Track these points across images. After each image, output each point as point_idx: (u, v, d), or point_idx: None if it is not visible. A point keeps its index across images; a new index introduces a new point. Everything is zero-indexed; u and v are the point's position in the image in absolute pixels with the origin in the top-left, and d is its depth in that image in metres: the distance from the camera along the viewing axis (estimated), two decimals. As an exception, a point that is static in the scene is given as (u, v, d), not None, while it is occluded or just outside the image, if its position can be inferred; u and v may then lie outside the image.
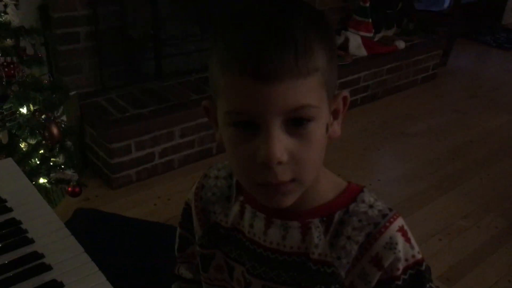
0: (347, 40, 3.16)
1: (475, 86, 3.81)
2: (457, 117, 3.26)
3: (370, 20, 3.19)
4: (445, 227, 2.19)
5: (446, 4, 4.29)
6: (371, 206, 0.66)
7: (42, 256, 0.82)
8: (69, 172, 1.75)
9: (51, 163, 1.70)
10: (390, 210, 0.66)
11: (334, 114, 0.63)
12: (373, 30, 3.25)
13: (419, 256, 0.65)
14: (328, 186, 0.68)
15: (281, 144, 0.55)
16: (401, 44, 3.34)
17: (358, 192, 0.68)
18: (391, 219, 0.65)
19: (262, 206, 0.68)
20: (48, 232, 0.88)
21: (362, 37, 3.16)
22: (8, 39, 1.53)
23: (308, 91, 0.55)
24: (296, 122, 0.56)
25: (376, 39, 3.32)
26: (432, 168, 2.65)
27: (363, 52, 3.16)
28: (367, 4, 3.16)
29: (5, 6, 1.56)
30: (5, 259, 0.81)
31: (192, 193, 0.80)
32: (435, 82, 3.75)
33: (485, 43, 4.60)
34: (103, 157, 2.28)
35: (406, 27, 3.60)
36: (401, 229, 0.65)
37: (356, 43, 3.15)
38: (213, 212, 0.75)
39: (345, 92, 0.64)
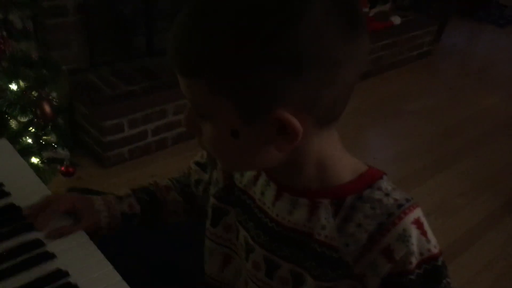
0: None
1: (469, 64, 3.80)
2: (451, 95, 3.26)
3: (366, -5, 3.14)
4: (440, 206, 2.20)
5: (440, -20, 4.24)
6: (387, 194, 0.63)
7: (43, 244, 0.78)
8: (61, 151, 1.69)
9: (43, 142, 1.65)
10: (407, 200, 0.62)
11: (282, 130, 0.56)
12: (369, 5, 3.19)
13: (435, 251, 0.62)
14: (344, 168, 0.65)
15: (189, 119, 0.62)
16: (396, 20, 3.31)
17: (377, 178, 0.64)
18: (407, 210, 0.61)
19: (275, 177, 0.68)
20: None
21: (357, 13, 3.11)
22: (-4, 12, 1.46)
23: (194, 91, 0.58)
24: (198, 114, 0.61)
25: (371, 14, 3.28)
26: (427, 146, 2.65)
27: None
28: (363, -21, 3.10)
29: (-8, -23, 1.47)
30: (6, 246, 0.77)
31: None
32: (429, 59, 3.72)
33: (480, 20, 4.57)
34: (94, 135, 2.23)
35: (401, 2, 3.55)
36: (416, 221, 0.61)
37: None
38: None
39: (290, 118, 0.55)
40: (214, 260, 0.82)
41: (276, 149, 0.59)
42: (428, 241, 0.62)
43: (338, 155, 0.66)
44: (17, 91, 1.53)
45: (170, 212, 0.93)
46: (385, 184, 0.64)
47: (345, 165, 0.66)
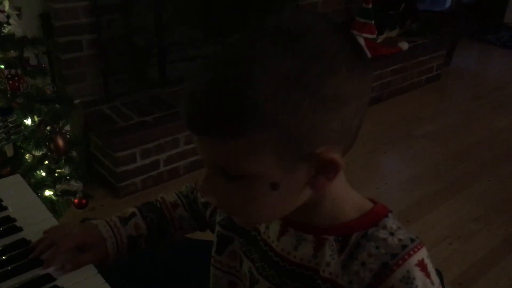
0: (350, 42, 3.14)
1: (480, 87, 3.79)
2: (463, 118, 3.24)
3: (373, 21, 3.17)
4: (456, 230, 2.17)
5: (448, 4, 4.27)
6: (391, 234, 0.62)
7: (54, 279, 0.80)
8: (74, 184, 1.73)
9: (57, 175, 1.68)
10: (412, 240, 0.62)
11: (321, 168, 0.58)
12: (376, 32, 3.23)
13: None
14: (350, 205, 0.66)
15: (214, 185, 0.59)
16: (404, 45, 3.33)
17: (382, 216, 0.65)
18: (411, 252, 0.61)
19: None
20: (60, 252, 0.85)
21: (365, 39, 3.14)
22: (12, 51, 1.51)
23: (232, 153, 0.54)
24: (229, 175, 0.57)
25: (379, 40, 3.31)
26: (440, 170, 2.63)
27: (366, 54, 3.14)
28: (370, 6, 3.14)
29: (8, 17, 1.54)
30: (17, 281, 0.79)
31: None
32: (439, 83, 3.72)
33: (489, 43, 4.58)
34: (108, 166, 2.26)
35: (409, 28, 3.58)
36: (420, 263, 0.61)
37: (359, 45, 3.13)
38: None
39: (334, 156, 0.57)
40: (220, 287, 0.82)
41: (314, 189, 0.60)
42: (433, 283, 0.62)
43: (346, 190, 0.66)
44: (31, 125, 1.58)
45: (177, 229, 0.93)
46: (391, 222, 0.64)
47: (352, 201, 0.66)
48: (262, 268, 0.71)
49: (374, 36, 3.21)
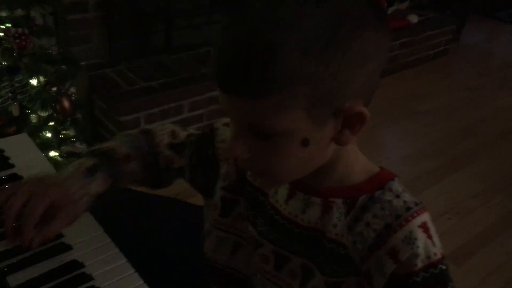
0: (359, 14, 3.10)
1: (487, 64, 3.76)
2: (468, 95, 3.23)
3: (384, -7, 3.12)
4: (454, 206, 2.19)
5: (460, -22, 4.19)
6: (397, 196, 0.64)
7: (61, 235, 0.82)
8: (79, 146, 1.74)
9: (62, 136, 1.69)
10: (416, 204, 0.64)
11: (347, 122, 0.59)
12: (386, 4, 3.18)
13: (440, 255, 0.63)
14: (357, 169, 0.67)
15: (243, 144, 0.59)
16: (413, 19, 3.28)
17: (388, 180, 0.66)
18: (414, 214, 0.63)
19: None
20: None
21: (375, 11, 3.10)
22: (19, 9, 1.50)
23: (265, 110, 0.54)
24: (259, 133, 0.58)
25: (388, 12, 3.26)
26: (442, 147, 2.64)
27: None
28: (381, -23, 3.08)
29: (15, -26, 1.52)
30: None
31: None
32: (446, 58, 3.69)
33: (500, 19, 4.50)
34: (112, 129, 2.27)
35: (420, 1, 3.52)
36: (423, 225, 0.62)
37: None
38: None
39: (362, 109, 0.58)
40: (223, 249, 0.82)
41: (339, 143, 0.61)
42: (434, 244, 0.63)
43: (356, 153, 0.68)
44: (37, 86, 1.58)
45: (126, 183, 0.83)
46: (396, 185, 0.65)
47: (360, 165, 0.68)
48: (267, 232, 0.73)
49: (384, 8, 3.16)
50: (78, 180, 0.74)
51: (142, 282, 0.76)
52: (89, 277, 0.76)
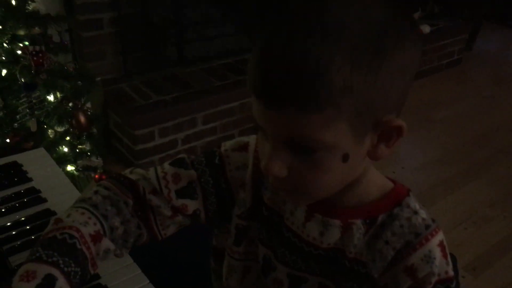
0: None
1: (501, 72, 3.73)
2: (483, 103, 3.20)
3: (395, 3, 3.13)
4: (471, 216, 2.17)
5: (472, -14, 4.18)
6: (415, 213, 0.64)
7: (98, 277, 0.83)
8: (95, 160, 1.77)
9: (78, 151, 1.72)
10: (433, 221, 0.65)
11: (383, 136, 0.58)
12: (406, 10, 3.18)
13: (451, 273, 0.64)
14: (374, 186, 0.67)
15: (281, 161, 0.57)
16: (426, 28, 3.28)
17: (404, 195, 0.66)
18: (433, 232, 0.63)
19: None
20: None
21: (386, 22, 3.10)
22: (36, 28, 1.54)
23: (312, 125, 0.53)
24: (301, 149, 0.56)
25: (400, 23, 3.26)
26: (457, 155, 2.62)
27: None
28: (392, -12, 3.09)
29: (32, -6, 1.56)
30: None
31: (252, 151, 0.73)
32: (460, 67, 3.67)
33: (513, 27, 4.47)
34: (127, 143, 2.30)
35: (432, 10, 3.52)
36: (441, 244, 0.64)
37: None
38: (263, 184, 0.71)
39: (401, 122, 0.57)
40: (235, 276, 0.80)
41: (374, 158, 0.60)
42: (448, 263, 0.64)
43: (372, 170, 0.67)
44: (54, 102, 1.61)
45: (99, 262, 0.66)
46: (413, 201, 0.66)
47: (376, 181, 0.67)
48: (282, 255, 0.71)
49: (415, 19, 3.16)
50: None
51: (147, 282, 0.77)
52: (96, 276, 0.77)
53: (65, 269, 0.58)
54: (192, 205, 0.72)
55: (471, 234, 2.06)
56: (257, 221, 0.74)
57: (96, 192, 0.69)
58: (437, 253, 0.63)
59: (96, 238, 0.64)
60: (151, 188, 0.70)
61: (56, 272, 0.58)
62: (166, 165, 0.73)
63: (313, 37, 0.51)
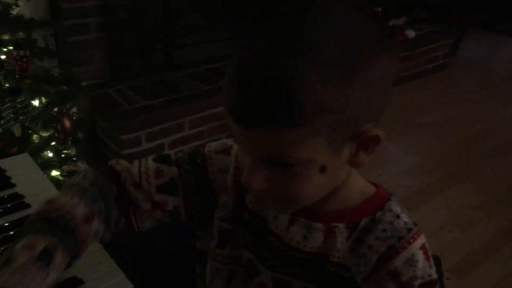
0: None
1: (487, 76, 3.78)
2: (468, 107, 3.24)
3: (380, 9, 3.16)
4: (456, 218, 2.19)
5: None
6: (397, 216, 0.65)
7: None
8: (81, 165, 1.76)
9: (63, 156, 1.71)
10: (415, 224, 0.65)
11: (362, 145, 0.59)
12: (383, 19, 3.21)
13: (435, 276, 0.65)
14: (356, 191, 0.67)
15: (260, 175, 0.58)
16: (411, 33, 3.32)
17: (386, 200, 0.67)
18: (415, 235, 0.64)
19: None
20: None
21: (372, 27, 3.13)
22: (20, 32, 1.53)
23: (287, 142, 0.53)
24: (278, 163, 0.57)
25: (386, 28, 3.29)
26: (443, 159, 2.64)
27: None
28: (378, -7, 3.13)
29: (16, -2, 1.55)
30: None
31: (234, 155, 0.73)
32: (445, 72, 3.72)
33: (498, 32, 4.54)
34: (113, 148, 2.29)
35: (417, 15, 3.56)
36: (423, 247, 0.64)
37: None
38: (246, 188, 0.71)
39: (378, 131, 0.58)
40: (218, 280, 0.80)
41: (354, 166, 0.61)
42: (431, 266, 0.65)
43: (355, 175, 0.68)
44: (39, 107, 1.60)
45: (89, 244, 0.69)
46: (395, 205, 0.67)
47: (359, 186, 0.68)
48: (266, 259, 0.72)
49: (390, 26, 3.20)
50: (34, 280, 0.59)
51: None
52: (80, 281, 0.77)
53: (59, 246, 0.62)
54: (172, 202, 0.73)
55: (456, 237, 2.08)
56: (240, 225, 0.75)
57: (84, 177, 0.71)
58: (420, 256, 0.63)
59: (86, 220, 0.67)
60: (132, 181, 0.72)
61: (52, 247, 0.61)
62: (150, 160, 0.75)
63: (286, 55, 0.51)
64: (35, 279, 0.59)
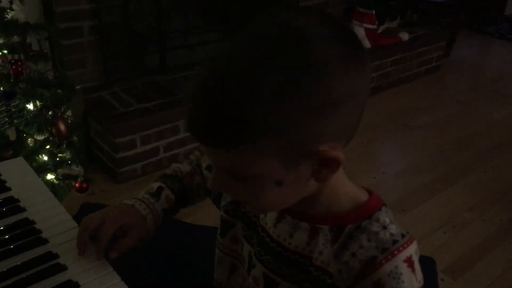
0: (350, 32, 3.15)
1: (479, 78, 3.81)
2: (461, 109, 3.26)
3: (374, 12, 3.18)
4: (450, 220, 2.20)
5: (449, -5, 4.26)
6: (384, 228, 0.65)
7: (56, 256, 0.83)
8: (75, 168, 1.76)
9: (58, 159, 1.71)
10: (403, 236, 0.64)
11: (324, 163, 0.60)
12: (377, 22, 3.23)
13: (420, 286, 0.65)
14: (344, 197, 0.68)
15: (223, 183, 0.64)
16: (405, 36, 3.34)
17: (375, 209, 0.67)
18: (401, 248, 0.63)
19: None
20: (62, 231, 0.89)
21: (366, 29, 3.15)
22: (15, 36, 1.53)
23: (236, 159, 0.58)
24: (235, 175, 0.61)
25: (379, 31, 3.31)
26: (436, 160, 2.66)
27: (366, 44, 3.15)
28: (371, -4, 3.14)
29: (11, 2, 1.55)
30: (19, 259, 0.82)
31: None
32: (438, 73, 3.74)
33: (488, 34, 4.58)
34: (108, 151, 2.29)
35: (410, 18, 3.58)
36: (408, 260, 0.63)
37: (359, 36, 3.08)
38: None
39: (335, 154, 0.59)
40: (222, 268, 0.86)
41: (318, 181, 0.63)
42: (417, 279, 0.64)
43: (342, 182, 0.69)
44: (33, 110, 1.60)
45: (195, 196, 0.96)
46: (384, 215, 0.66)
47: (347, 193, 0.69)
48: (259, 253, 0.74)
49: (375, 27, 3.21)
50: (144, 204, 0.88)
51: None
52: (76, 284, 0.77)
53: (170, 185, 0.92)
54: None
55: (450, 238, 2.09)
56: (239, 218, 0.80)
57: (182, 163, 0.98)
58: (404, 269, 0.62)
59: (190, 175, 0.95)
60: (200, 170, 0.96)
61: (164, 186, 0.92)
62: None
63: (230, 81, 0.54)
64: (143, 204, 0.87)
